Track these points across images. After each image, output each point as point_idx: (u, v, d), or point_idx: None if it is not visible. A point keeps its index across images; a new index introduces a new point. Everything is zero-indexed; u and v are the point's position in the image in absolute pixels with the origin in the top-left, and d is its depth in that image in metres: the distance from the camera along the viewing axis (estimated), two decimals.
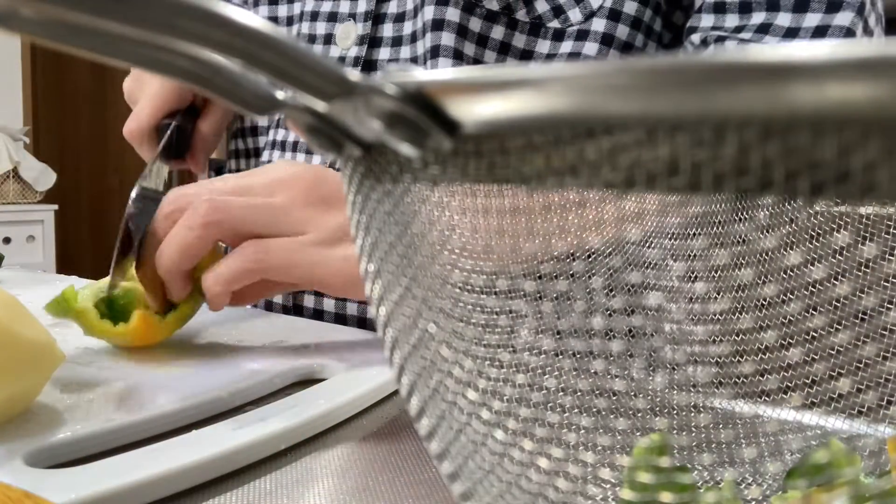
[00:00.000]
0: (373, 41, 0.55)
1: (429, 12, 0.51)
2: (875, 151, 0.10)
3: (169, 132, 0.52)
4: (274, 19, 0.61)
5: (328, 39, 0.57)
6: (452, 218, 0.21)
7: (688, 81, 0.11)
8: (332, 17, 0.57)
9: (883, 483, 0.20)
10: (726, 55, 0.10)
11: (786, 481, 0.22)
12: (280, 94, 0.16)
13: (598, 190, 0.24)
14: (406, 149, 0.15)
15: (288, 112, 0.16)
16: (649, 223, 0.28)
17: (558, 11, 0.51)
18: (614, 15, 0.50)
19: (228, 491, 0.27)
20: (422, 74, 0.14)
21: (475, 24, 0.51)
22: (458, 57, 0.51)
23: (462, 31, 0.51)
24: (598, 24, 0.50)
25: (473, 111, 0.14)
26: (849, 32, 0.45)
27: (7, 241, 2.42)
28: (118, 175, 3.08)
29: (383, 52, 0.55)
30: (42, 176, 2.49)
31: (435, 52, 0.51)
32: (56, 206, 2.57)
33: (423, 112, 0.14)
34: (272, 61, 0.14)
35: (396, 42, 0.54)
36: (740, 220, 0.27)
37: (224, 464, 0.28)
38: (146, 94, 0.54)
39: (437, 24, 0.51)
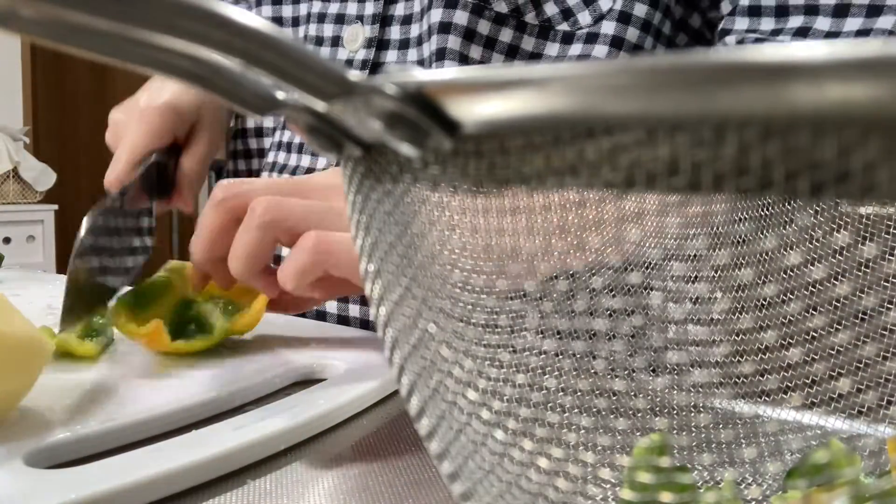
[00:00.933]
0: (381, 44, 0.55)
1: (436, 15, 0.51)
2: (875, 151, 0.10)
3: (146, 166, 0.49)
4: (278, 20, 0.61)
5: (336, 42, 0.57)
6: (452, 218, 0.21)
7: (688, 81, 0.11)
8: (340, 20, 0.56)
9: (883, 483, 0.20)
10: (726, 55, 0.10)
11: (786, 481, 0.22)
12: (280, 94, 0.16)
13: (598, 190, 0.24)
14: (406, 149, 0.15)
15: (288, 112, 0.16)
16: (649, 223, 0.28)
17: (567, 14, 0.50)
18: (624, 17, 0.50)
19: (228, 491, 0.27)
20: (422, 74, 0.14)
21: (483, 27, 0.51)
22: (464, 60, 0.51)
23: (469, 35, 0.50)
24: (608, 27, 0.50)
25: (473, 111, 0.14)
26: (892, 35, 0.44)
27: (7, 241, 2.42)
28: None
29: (391, 55, 0.54)
30: (42, 176, 2.49)
31: (441, 54, 0.51)
32: (56, 206, 2.56)
33: (423, 112, 0.14)
34: (272, 61, 0.14)
35: (404, 45, 0.54)
36: (740, 220, 0.27)
37: (224, 464, 0.28)
38: (122, 142, 0.51)
39: (444, 27, 0.50)
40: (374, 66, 0.55)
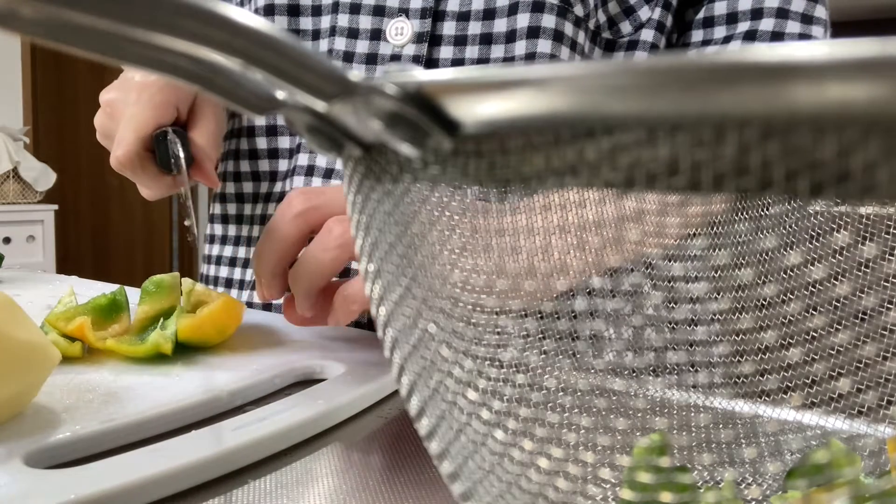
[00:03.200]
0: (433, 39, 0.52)
1: (523, 20, 0.51)
2: (875, 151, 0.10)
3: (158, 141, 0.47)
4: (294, 8, 0.57)
5: (376, 35, 0.54)
6: (452, 218, 0.21)
7: (688, 81, 0.11)
8: (379, 11, 0.54)
9: (883, 483, 0.20)
10: (726, 55, 0.10)
11: (786, 481, 0.22)
12: (280, 94, 0.16)
13: (598, 190, 0.24)
14: (406, 149, 0.15)
15: (288, 112, 0.16)
16: (648, 223, 0.28)
17: (611, 23, 0.53)
18: (660, 27, 0.53)
19: (228, 491, 0.27)
20: (422, 74, 0.14)
21: (569, 30, 0.52)
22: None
23: (558, 37, 0.51)
24: (647, 35, 0.53)
25: (473, 111, 0.14)
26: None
27: (7, 241, 2.42)
28: (118, 175, 3.06)
29: (445, 52, 0.52)
30: (42, 176, 2.49)
31: (531, 58, 0.51)
32: (56, 206, 2.57)
33: (423, 112, 0.14)
34: (272, 61, 0.14)
35: (460, 41, 0.52)
36: (740, 220, 0.27)
37: (224, 464, 0.28)
38: (124, 118, 0.49)
39: (534, 32, 0.51)
40: (428, 63, 0.53)
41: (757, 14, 0.51)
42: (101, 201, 3.07)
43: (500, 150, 0.14)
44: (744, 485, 0.23)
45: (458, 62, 0.52)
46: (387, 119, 0.15)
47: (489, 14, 0.52)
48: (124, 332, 0.42)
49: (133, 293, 0.45)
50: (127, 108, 0.49)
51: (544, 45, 0.51)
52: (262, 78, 0.14)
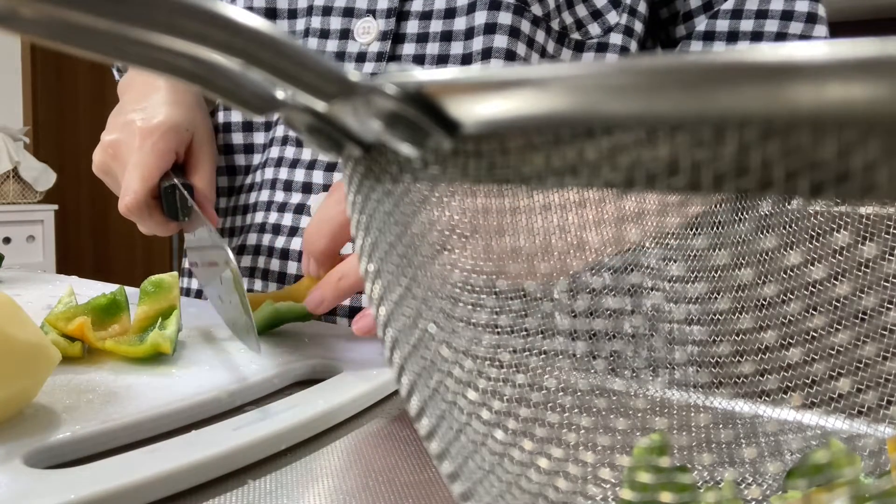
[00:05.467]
0: (396, 37, 0.55)
1: (480, 16, 0.53)
2: (875, 151, 0.10)
3: (164, 190, 0.51)
4: (272, 11, 0.60)
5: (345, 34, 0.57)
6: (452, 218, 0.21)
7: (688, 81, 0.11)
8: (349, 13, 0.57)
9: (883, 483, 0.20)
10: (726, 55, 0.10)
11: (786, 481, 0.22)
12: (280, 94, 0.16)
13: (598, 190, 0.24)
14: (406, 149, 0.15)
15: (288, 112, 0.16)
16: (648, 223, 0.28)
17: (579, 24, 0.55)
18: (628, 31, 0.55)
19: (228, 491, 0.27)
20: (422, 74, 0.14)
21: (525, 27, 0.53)
22: (510, 58, 0.53)
23: (514, 33, 0.53)
24: (616, 38, 0.55)
25: (473, 111, 0.14)
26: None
27: (7, 241, 2.42)
28: None
29: (408, 48, 0.55)
30: (42, 176, 2.49)
31: (487, 54, 0.53)
32: (56, 206, 2.57)
33: (423, 112, 0.14)
34: (272, 61, 0.14)
35: (422, 38, 0.55)
36: (740, 220, 0.27)
37: (224, 464, 0.28)
38: (130, 164, 0.52)
39: (490, 28, 0.53)
40: (391, 59, 0.55)
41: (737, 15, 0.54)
42: (101, 201, 3.07)
43: (500, 150, 0.14)
44: (744, 485, 0.23)
45: (419, 58, 0.55)
46: (387, 119, 0.15)
47: (450, 13, 0.55)
48: (124, 332, 0.42)
49: (133, 293, 0.45)
50: (131, 154, 0.52)
51: (500, 41, 0.52)
52: (262, 78, 0.14)
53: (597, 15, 0.54)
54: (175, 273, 0.45)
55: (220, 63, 0.14)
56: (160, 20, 0.12)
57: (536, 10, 0.53)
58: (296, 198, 0.58)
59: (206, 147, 0.56)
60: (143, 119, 0.53)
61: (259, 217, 0.60)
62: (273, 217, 0.59)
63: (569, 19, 0.54)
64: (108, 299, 0.42)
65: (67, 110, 2.97)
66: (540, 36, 0.54)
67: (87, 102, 2.98)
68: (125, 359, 0.39)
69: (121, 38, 0.13)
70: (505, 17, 0.52)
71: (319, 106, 0.15)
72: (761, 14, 0.53)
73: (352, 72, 0.15)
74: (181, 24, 0.12)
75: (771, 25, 0.52)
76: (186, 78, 0.14)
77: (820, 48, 0.09)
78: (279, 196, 0.59)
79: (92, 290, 0.58)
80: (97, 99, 2.96)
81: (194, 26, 0.12)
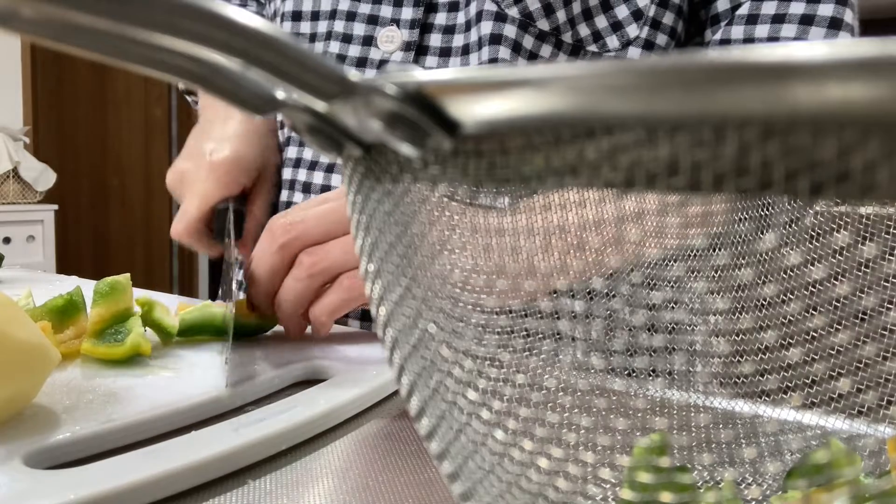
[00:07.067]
0: (420, 49, 0.56)
1: (486, 27, 0.53)
2: (875, 151, 0.10)
3: (220, 211, 0.54)
4: (297, 14, 0.61)
5: (368, 41, 0.57)
6: (452, 218, 0.21)
7: (688, 81, 0.11)
8: (373, 20, 0.57)
9: (883, 483, 0.20)
10: (726, 55, 0.10)
11: (786, 481, 0.22)
12: (280, 94, 0.16)
13: (598, 190, 0.24)
14: (406, 149, 0.15)
15: (288, 112, 0.16)
16: (648, 224, 0.28)
17: (597, 36, 0.54)
18: (648, 45, 0.54)
19: (228, 491, 0.27)
20: (422, 74, 0.14)
21: (528, 42, 0.53)
22: None
23: (517, 47, 0.53)
24: (635, 53, 0.53)
25: (473, 111, 0.14)
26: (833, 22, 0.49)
27: (7, 241, 2.42)
28: (118, 175, 3.08)
29: (430, 61, 0.55)
30: (42, 176, 2.49)
31: (493, 62, 0.53)
32: (56, 206, 2.56)
33: (423, 112, 0.14)
34: (272, 61, 0.13)
35: (445, 52, 0.55)
36: (740, 220, 0.27)
37: (224, 464, 0.28)
38: (191, 190, 0.55)
39: (495, 39, 0.53)
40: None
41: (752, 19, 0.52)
42: (101, 201, 3.07)
43: (500, 150, 0.14)
44: (744, 485, 0.23)
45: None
46: (387, 119, 0.15)
47: (468, 26, 0.55)
48: (80, 334, 0.40)
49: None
50: (195, 183, 0.55)
51: (504, 53, 0.53)
52: (262, 78, 0.14)
53: (617, 27, 0.53)
54: (128, 275, 0.43)
55: (220, 63, 0.14)
56: (160, 20, 0.12)
57: (543, 24, 0.53)
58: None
59: (269, 181, 0.60)
60: (212, 151, 0.56)
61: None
62: None
63: (585, 31, 0.53)
64: (64, 300, 0.41)
65: (67, 110, 2.97)
66: (545, 51, 0.53)
67: (87, 102, 2.98)
68: (125, 359, 0.39)
69: (121, 38, 0.13)
70: (510, 30, 0.52)
71: (319, 106, 0.15)
72: (778, 19, 0.50)
73: (352, 72, 0.15)
74: (181, 24, 0.12)
75: (788, 31, 0.49)
76: (186, 78, 0.14)
77: (820, 48, 0.09)
78: (297, 198, 0.60)
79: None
80: (97, 99, 2.96)
81: (194, 26, 0.12)
